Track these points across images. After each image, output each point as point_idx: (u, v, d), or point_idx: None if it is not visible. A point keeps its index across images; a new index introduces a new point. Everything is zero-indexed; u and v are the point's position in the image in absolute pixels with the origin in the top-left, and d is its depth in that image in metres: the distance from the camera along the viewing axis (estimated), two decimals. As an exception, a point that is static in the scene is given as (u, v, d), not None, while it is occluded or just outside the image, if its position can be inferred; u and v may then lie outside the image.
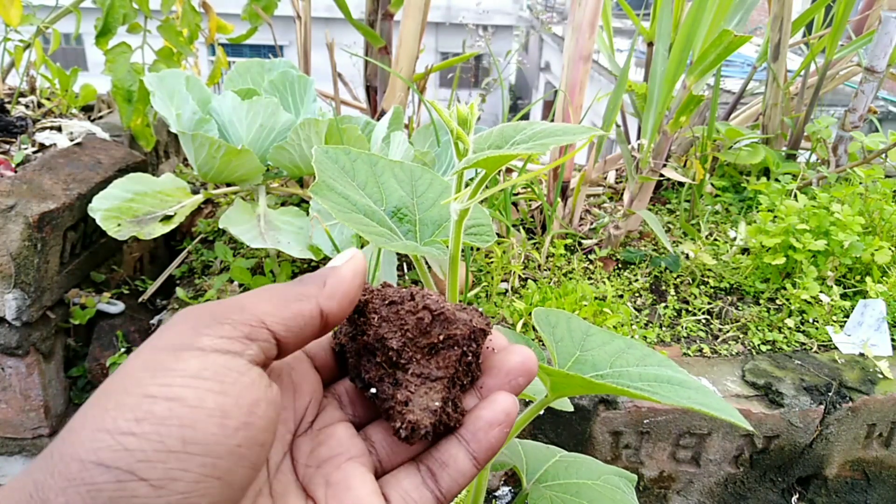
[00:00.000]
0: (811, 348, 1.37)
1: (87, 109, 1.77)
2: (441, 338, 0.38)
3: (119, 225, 1.20)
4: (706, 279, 1.56)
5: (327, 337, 0.43)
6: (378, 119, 1.62)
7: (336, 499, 0.35)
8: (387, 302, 0.40)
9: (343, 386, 0.42)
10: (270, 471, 0.36)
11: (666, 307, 1.45)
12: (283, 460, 0.37)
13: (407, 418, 0.37)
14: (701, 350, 1.34)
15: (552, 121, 1.57)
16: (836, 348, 1.37)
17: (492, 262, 1.46)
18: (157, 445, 0.29)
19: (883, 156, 1.86)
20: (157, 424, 0.29)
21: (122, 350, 1.37)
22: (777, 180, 1.80)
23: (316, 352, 0.42)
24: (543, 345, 1.08)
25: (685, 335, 1.39)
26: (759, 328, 1.41)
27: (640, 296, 1.50)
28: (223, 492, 0.30)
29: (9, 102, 1.58)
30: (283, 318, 0.35)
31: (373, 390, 0.39)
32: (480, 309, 0.41)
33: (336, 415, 0.40)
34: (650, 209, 1.79)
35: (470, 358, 0.39)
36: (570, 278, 1.50)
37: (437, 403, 0.37)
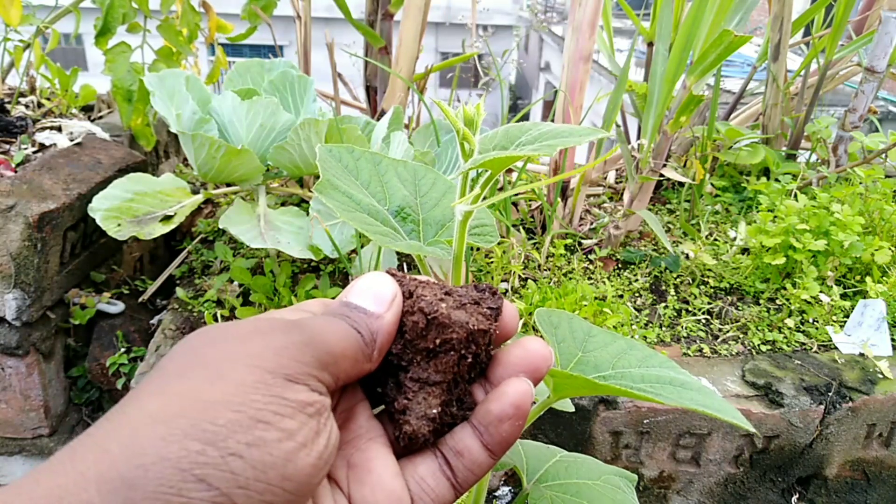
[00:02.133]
0: (811, 348, 1.37)
1: (87, 109, 1.77)
2: (437, 342, 0.38)
3: (119, 225, 1.20)
4: (706, 279, 1.56)
5: None
6: (378, 119, 1.62)
7: (358, 481, 0.36)
8: None
9: None
10: None
11: (666, 307, 1.45)
12: None
13: (404, 429, 0.37)
14: (701, 350, 1.34)
15: (552, 121, 1.57)
16: (836, 348, 1.37)
17: (492, 262, 1.46)
18: (259, 475, 0.28)
19: (883, 156, 1.86)
20: (265, 453, 0.28)
21: (122, 350, 1.37)
22: (777, 180, 1.80)
23: None
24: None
25: (685, 335, 1.39)
26: (759, 328, 1.41)
27: (640, 296, 1.50)
28: None
29: (9, 102, 1.58)
30: (351, 375, 0.35)
31: (378, 389, 0.39)
32: (492, 290, 0.40)
33: (357, 396, 0.40)
34: (650, 209, 1.79)
35: (470, 360, 0.38)
36: (570, 278, 1.50)
37: (434, 410, 0.37)
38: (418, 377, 0.38)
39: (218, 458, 0.27)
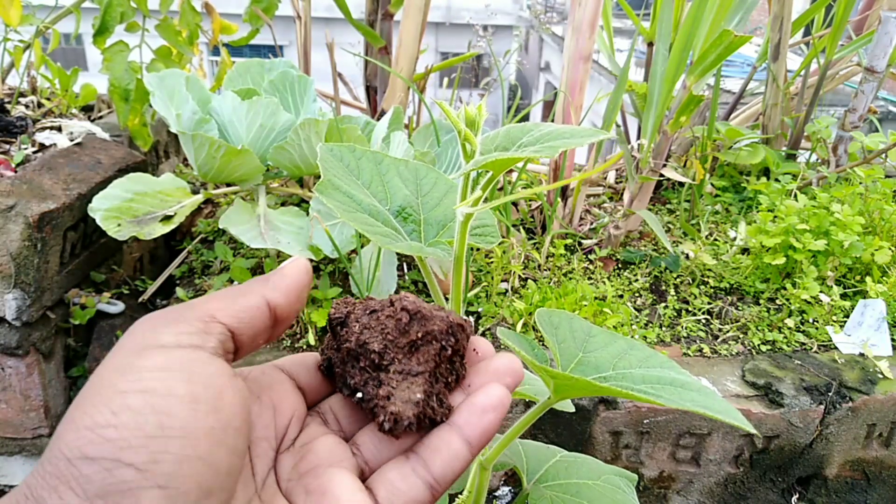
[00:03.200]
0: (811, 348, 1.37)
1: (87, 109, 1.77)
2: (419, 335, 0.40)
3: (119, 225, 1.20)
4: (706, 279, 1.56)
5: (311, 357, 0.44)
6: (378, 119, 1.62)
7: None
8: (368, 311, 0.42)
9: (328, 404, 0.43)
10: (258, 485, 0.38)
11: (666, 307, 1.45)
12: (268, 476, 0.38)
13: (389, 409, 0.38)
14: (701, 350, 1.34)
15: (552, 121, 1.57)
16: (836, 348, 1.37)
17: (492, 262, 1.46)
18: (136, 433, 0.30)
19: (883, 156, 1.86)
20: (133, 414, 0.31)
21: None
22: (777, 180, 1.80)
23: (298, 371, 0.43)
24: (545, 345, 1.08)
25: (685, 335, 1.39)
26: (759, 328, 1.41)
27: (640, 296, 1.50)
28: (208, 472, 0.32)
29: (9, 102, 1.58)
30: (232, 311, 0.37)
31: (359, 394, 0.40)
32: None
33: (320, 430, 0.41)
34: (650, 209, 1.79)
35: (450, 352, 0.40)
36: (570, 278, 1.50)
37: (418, 395, 0.38)
38: (401, 370, 0.39)
39: (91, 434, 0.30)
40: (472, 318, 1.38)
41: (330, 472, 0.38)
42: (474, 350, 0.42)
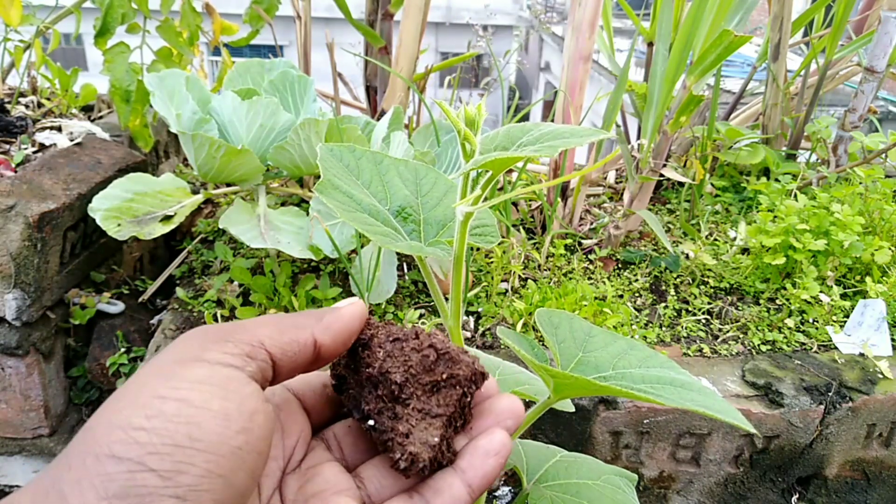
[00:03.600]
0: (811, 348, 1.37)
1: (87, 109, 1.77)
2: (444, 376, 0.39)
3: (119, 225, 1.20)
4: (706, 279, 1.56)
5: (318, 377, 0.45)
6: (378, 119, 1.62)
7: None
8: (391, 338, 0.41)
9: (332, 431, 0.44)
10: (262, 502, 0.38)
11: (666, 307, 1.45)
12: (273, 495, 0.39)
13: (408, 450, 0.38)
14: (701, 350, 1.34)
15: (552, 121, 1.57)
16: (836, 348, 1.37)
17: (492, 262, 1.46)
18: (165, 440, 0.31)
19: (883, 156, 1.86)
20: (166, 421, 0.31)
21: (122, 350, 1.37)
22: (777, 180, 1.80)
23: (304, 392, 0.44)
24: (545, 345, 1.08)
25: (685, 335, 1.39)
26: (759, 328, 1.41)
27: (640, 296, 1.50)
28: (225, 492, 0.32)
29: (9, 102, 1.58)
30: (280, 342, 0.38)
31: (371, 422, 0.40)
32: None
33: (325, 456, 0.42)
34: (650, 209, 1.79)
35: (468, 399, 0.40)
36: (570, 278, 1.50)
37: (435, 439, 0.38)
38: (421, 408, 0.39)
39: (123, 434, 0.31)
40: (471, 318, 1.38)
41: (336, 499, 0.38)
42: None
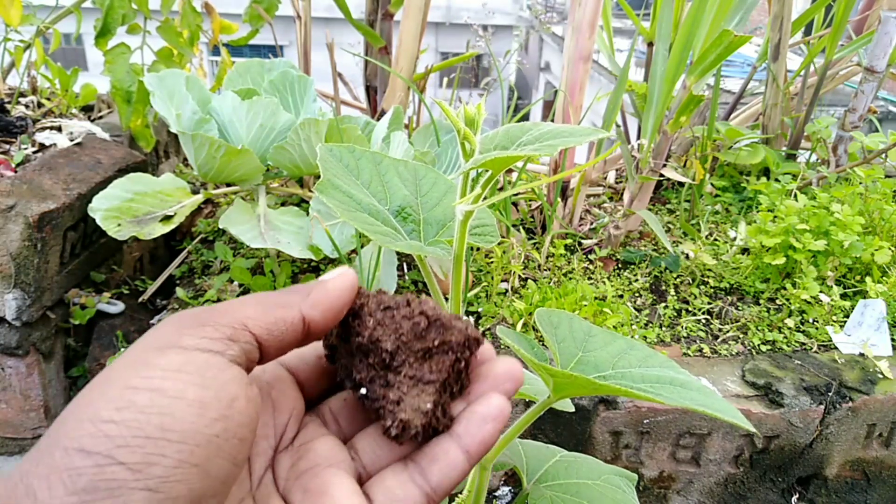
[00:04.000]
0: (811, 348, 1.37)
1: (87, 109, 1.77)
2: (436, 343, 0.39)
3: (119, 225, 1.20)
4: (706, 279, 1.56)
5: (311, 349, 0.44)
6: (378, 119, 1.62)
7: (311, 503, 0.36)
8: (382, 307, 0.41)
9: (328, 405, 0.43)
10: (253, 483, 0.37)
11: (666, 307, 1.45)
12: (265, 474, 0.38)
13: (399, 416, 0.37)
14: (701, 350, 1.34)
15: (552, 121, 1.57)
16: (836, 348, 1.37)
17: (492, 262, 1.46)
18: (135, 432, 0.30)
19: (883, 156, 1.86)
20: (137, 413, 0.31)
21: (122, 350, 1.37)
22: (777, 180, 1.80)
23: (297, 365, 0.43)
24: (545, 345, 1.08)
25: (685, 335, 1.39)
26: (759, 328, 1.41)
27: (640, 296, 1.50)
28: (202, 480, 0.31)
29: (9, 102, 1.58)
30: (265, 322, 0.37)
31: (363, 391, 0.39)
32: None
33: (319, 431, 0.41)
34: (650, 209, 1.79)
35: (462, 365, 0.40)
36: (570, 278, 1.50)
37: (428, 405, 0.37)
38: (413, 375, 0.39)
39: (91, 427, 0.30)
40: (471, 318, 1.38)
41: (329, 472, 0.37)
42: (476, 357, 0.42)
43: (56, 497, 0.29)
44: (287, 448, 0.40)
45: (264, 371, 0.41)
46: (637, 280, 1.53)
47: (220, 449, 0.32)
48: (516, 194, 1.75)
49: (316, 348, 0.44)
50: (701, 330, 1.41)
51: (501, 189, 1.65)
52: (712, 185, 1.92)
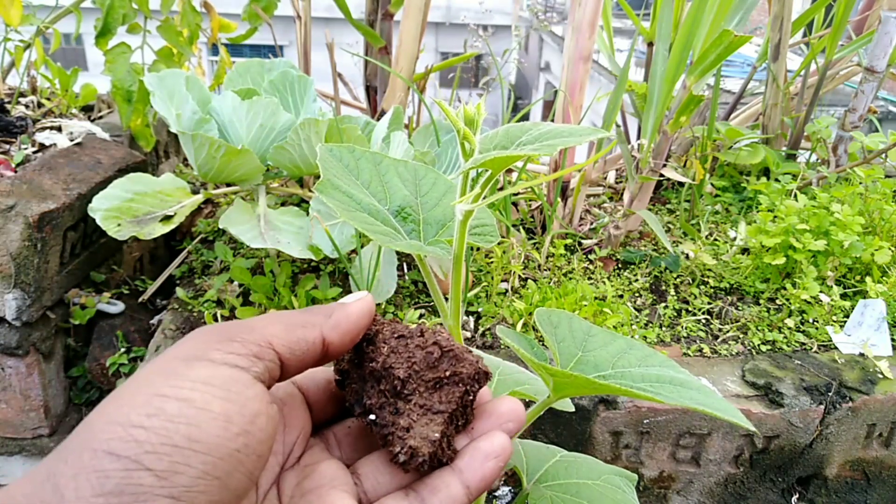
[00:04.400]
0: (811, 348, 1.37)
1: (87, 109, 1.77)
2: (447, 373, 0.39)
3: (119, 225, 1.20)
4: (706, 279, 1.56)
5: (322, 372, 0.45)
6: (378, 119, 1.62)
7: None
8: (396, 335, 0.41)
9: (332, 431, 0.44)
10: (259, 497, 0.38)
11: (666, 307, 1.45)
12: (270, 490, 0.39)
13: (408, 443, 0.38)
14: (701, 350, 1.34)
15: (552, 121, 1.57)
16: (836, 348, 1.37)
17: (492, 262, 1.46)
18: (164, 439, 0.31)
19: (883, 156, 1.86)
20: (166, 421, 0.31)
21: (122, 350, 1.37)
22: (777, 180, 1.80)
23: (308, 386, 0.44)
24: (545, 345, 1.08)
25: (685, 335, 1.39)
26: (759, 328, 1.41)
27: (640, 296, 1.50)
28: (221, 493, 0.32)
29: (9, 102, 1.58)
30: (288, 341, 0.38)
31: (372, 416, 0.40)
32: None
33: (324, 454, 0.42)
34: (650, 209, 1.79)
35: (470, 398, 0.40)
36: (570, 278, 1.50)
37: (436, 435, 0.38)
38: (423, 404, 0.39)
39: (122, 431, 0.31)
40: (471, 318, 1.38)
41: (333, 493, 0.38)
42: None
43: (82, 498, 0.29)
44: (293, 467, 0.40)
45: (278, 388, 0.42)
46: (637, 280, 1.53)
47: (240, 463, 0.33)
48: (516, 194, 1.75)
49: (325, 372, 0.44)
50: (701, 330, 1.41)
51: (501, 189, 1.65)
52: (712, 185, 1.92)
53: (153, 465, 0.30)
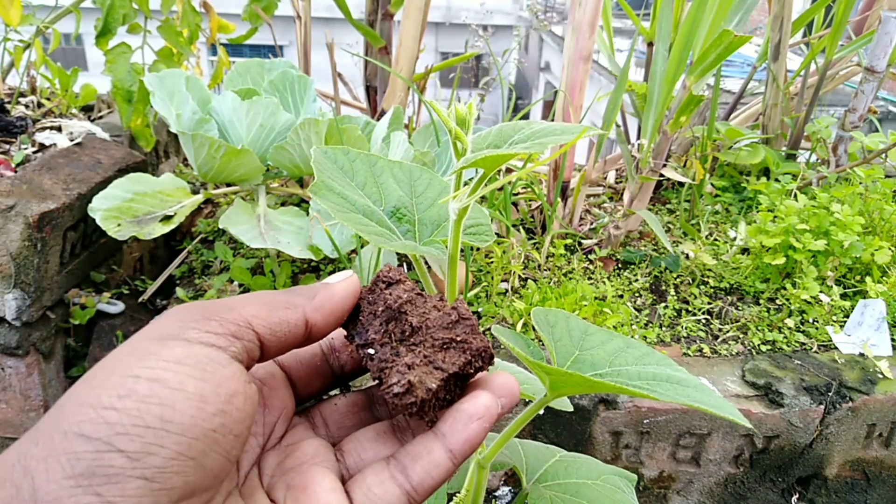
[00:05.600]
0: (811, 348, 1.37)
1: (87, 109, 1.77)
2: (458, 339, 0.39)
3: (119, 225, 1.20)
4: (706, 279, 1.56)
5: (306, 350, 0.44)
6: (378, 119, 1.62)
7: (293, 499, 0.36)
8: (416, 292, 0.41)
9: (318, 410, 0.43)
10: (240, 479, 0.37)
11: (666, 307, 1.45)
12: (251, 471, 0.38)
13: (408, 377, 0.36)
14: (701, 350, 1.34)
15: (552, 121, 1.57)
16: (836, 348, 1.37)
17: (492, 262, 1.46)
18: (136, 420, 0.30)
19: (883, 156, 1.86)
20: (137, 401, 0.31)
21: (122, 350, 1.37)
22: (777, 180, 1.80)
23: (291, 364, 0.43)
24: (543, 344, 1.08)
25: (685, 335, 1.39)
26: (759, 328, 1.41)
27: (640, 296, 1.50)
28: (197, 473, 0.31)
29: (9, 102, 1.59)
30: (269, 322, 0.37)
31: (371, 350, 0.39)
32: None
33: (307, 434, 0.41)
34: (650, 209, 1.79)
35: (472, 371, 0.39)
36: (570, 278, 1.50)
37: (433, 385, 0.37)
38: (427, 355, 0.38)
39: (93, 413, 0.30)
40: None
41: (312, 469, 0.38)
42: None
43: (53, 480, 0.29)
44: (274, 447, 0.40)
45: (258, 368, 0.41)
46: (637, 280, 1.53)
47: (216, 443, 0.32)
48: (515, 193, 1.75)
49: (311, 348, 0.43)
50: (701, 330, 1.41)
51: (501, 190, 1.65)
52: (712, 185, 1.92)
53: (125, 447, 0.30)
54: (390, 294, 0.40)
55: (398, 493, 0.37)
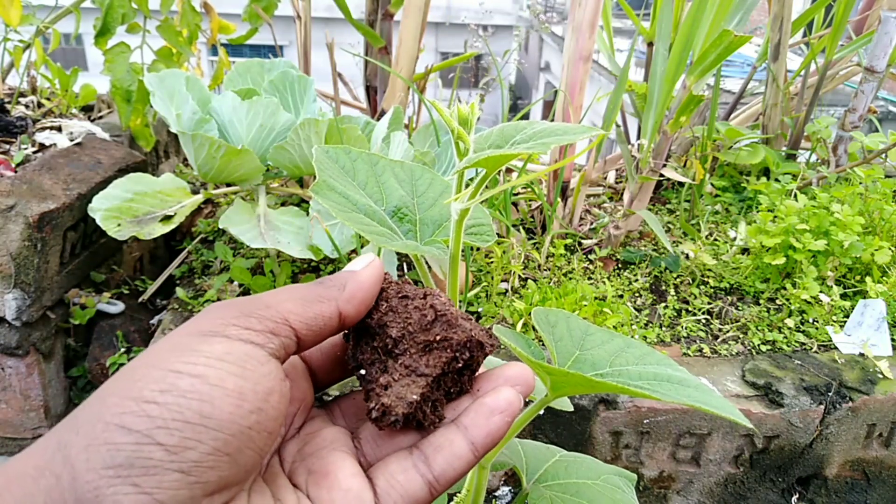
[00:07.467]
0: (811, 348, 1.37)
1: (87, 109, 1.77)
2: (438, 338, 0.39)
3: (119, 225, 1.20)
4: (706, 279, 1.56)
5: (328, 340, 0.44)
6: (378, 119, 1.62)
7: (315, 484, 0.37)
8: (400, 295, 0.41)
9: (337, 404, 0.44)
10: (262, 467, 0.38)
11: (666, 307, 1.45)
12: (271, 460, 0.39)
13: (381, 401, 0.38)
14: (701, 350, 1.34)
15: (552, 121, 1.57)
16: (836, 348, 1.37)
17: (492, 262, 1.46)
18: (176, 415, 0.31)
19: (883, 156, 1.86)
20: (178, 396, 0.32)
21: (122, 350, 1.37)
22: (777, 180, 1.80)
23: (311, 353, 0.44)
24: (543, 344, 1.08)
25: (685, 335, 1.39)
26: (759, 328, 1.41)
27: (640, 296, 1.50)
28: (231, 469, 0.32)
29: (9, 102, 1.58)
30: (305, 317, 0.37)
31: (362, 371, 0.40)
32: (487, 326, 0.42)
33: (325, 423, 0.42)
34: (650, 209, 1.79)
35: (461, 365, 0.40)
36: (570, 278, 1.50)
37: (414, 396, 0.38)
38: (408, 365, 0.39)
39: (134, 406, 0.31)
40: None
41: (333, 454, 0.38)
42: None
43: (93, 469, 0.30)
44: (294, 437, 0.41)
45: None
46: (637, 280, 1.53)
47: (251, 440, 0.33)
48: (515, 193, 1.75)
49: (332, 339, 0.44)
50: (701, 330, 1.41)
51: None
52: (712, 185, 1.92)
53: (164, 440, 0.30)
54: (373, 309, 0.41)
55: (420, 482, 0.38)
